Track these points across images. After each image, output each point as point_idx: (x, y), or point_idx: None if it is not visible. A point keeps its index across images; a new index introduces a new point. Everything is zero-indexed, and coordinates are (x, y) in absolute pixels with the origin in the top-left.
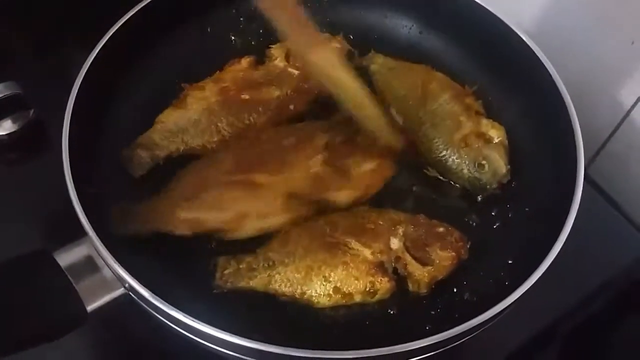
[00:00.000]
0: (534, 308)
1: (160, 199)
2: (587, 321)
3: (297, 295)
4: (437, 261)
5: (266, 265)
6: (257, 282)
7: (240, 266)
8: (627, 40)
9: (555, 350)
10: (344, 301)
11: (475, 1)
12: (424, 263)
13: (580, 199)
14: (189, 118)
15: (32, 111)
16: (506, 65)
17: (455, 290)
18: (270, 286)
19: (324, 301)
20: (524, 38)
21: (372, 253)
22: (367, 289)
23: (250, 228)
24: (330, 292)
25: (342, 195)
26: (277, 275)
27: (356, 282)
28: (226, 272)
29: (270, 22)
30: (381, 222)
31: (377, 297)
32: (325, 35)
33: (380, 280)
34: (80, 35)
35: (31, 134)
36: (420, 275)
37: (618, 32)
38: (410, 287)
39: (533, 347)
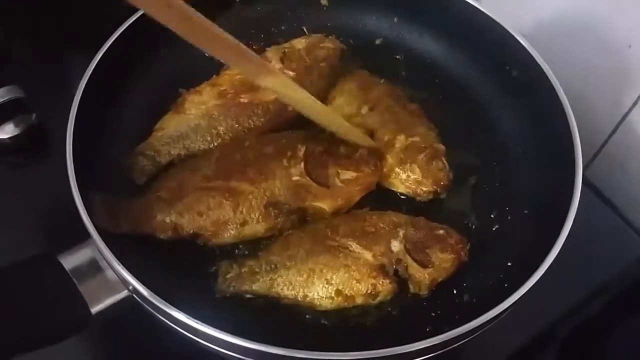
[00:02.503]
0: (533, 310)
1: (141, 201)
2: (585, 323)
3: (299, 298)
4: (438, 263)
5: (268, 268)
6: (259, 285)
7: (243, 270)
8: (624, 43)
9: (554, 351)
10: (345, 303)
11: (474, 6)
12: (424, 265)
13: (578, 201)
14: (188, 123)
15: (34, 115)
16: (505, 69)
17: (455, 292)
18: (273, 289)
19: (326, 304)
20: (521, 42)
21: (374, 256)
22: (369, 291)
23: (228, 235)
24: (332, 295)
25: (322, 205)
26: (279, 279)
27: (358, 284)
28: (228, 276)
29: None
30: (382, 225)
31: (379, 299)
32: (318, 36)
33: (382, 282)
34: (82, 40)
35: (33, 137)
36: (421, 277)
37: (615, 35)
38: (411, 289)
39: (532, 348)
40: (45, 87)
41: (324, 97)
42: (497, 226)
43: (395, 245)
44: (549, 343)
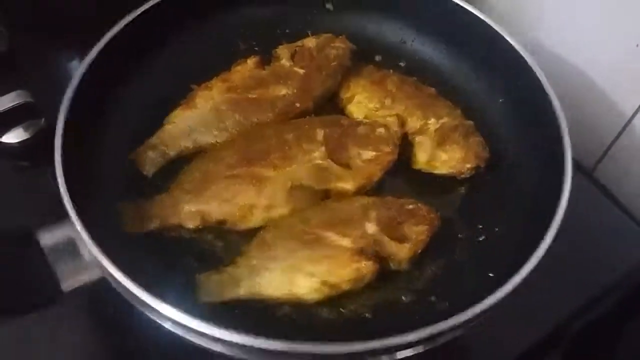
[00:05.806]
0: (539, 310)
1: (167, 195)
2: (593, 323)
3: (286, 297)
4: (414, 237)
5: (248, 273)
6: (243, 291)
7: (223, 278)
8: (632, 43)
9: (560, 352)
10: (334, 292)
11: (474, 13)
12: (401, 241)
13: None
14: (197, 117)
15: (43, 119)
16: (498, 71)
17: (432, 299)
18: (256, 291)
19: (313, 296)
20: (511, 42)
21: (352, 241)
22: (354, 276)
23: (256, 219)
24: (319, 286)
25: (346, 185)
26: (262, 281)
27: (342, 271)
28: (209, 287)
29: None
30: (353, 210)
31: (365, 281)
32: (328, 36)
33: (365, 264)
34: (91, 43)
35: (42, 142)
36: (400, 253)
37: (622, 35)
38: (392, 266)
39: (538, 348)
40: (54, 91)
41: (333, 95)
42: (483, 237)
43: (370, 227)
44: (555, 344)
